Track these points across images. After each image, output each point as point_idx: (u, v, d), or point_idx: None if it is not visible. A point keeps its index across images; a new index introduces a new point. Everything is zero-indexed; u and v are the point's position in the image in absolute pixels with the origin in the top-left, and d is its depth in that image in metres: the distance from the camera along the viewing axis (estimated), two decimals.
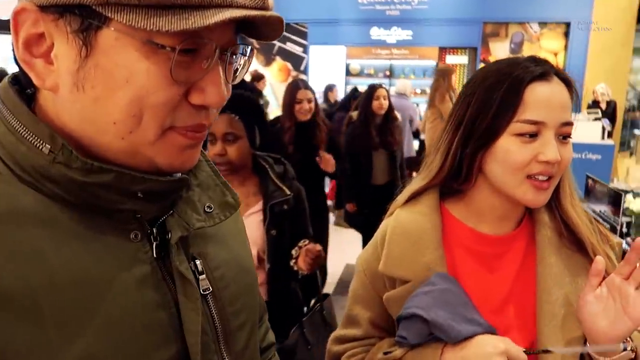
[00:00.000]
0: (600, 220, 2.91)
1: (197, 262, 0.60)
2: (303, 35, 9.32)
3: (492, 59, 8.88)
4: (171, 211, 0.58)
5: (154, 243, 0.56)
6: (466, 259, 0.91)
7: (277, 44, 9.48)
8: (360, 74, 9.10)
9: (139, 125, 0.50)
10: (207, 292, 0.60)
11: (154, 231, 0.56)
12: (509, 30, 8.61)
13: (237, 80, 0.58)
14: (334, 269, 4.10)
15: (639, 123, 8.45)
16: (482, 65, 8.67)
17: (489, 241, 0.91)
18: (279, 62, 9.44)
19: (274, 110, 7.17)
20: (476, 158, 0.86)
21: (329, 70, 9.05)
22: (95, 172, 0.50)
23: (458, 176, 0.90)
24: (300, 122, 3.13)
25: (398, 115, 5.23)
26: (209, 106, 0.52)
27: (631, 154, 6.75)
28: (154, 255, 0.55)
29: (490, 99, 0.83)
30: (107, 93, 0.48)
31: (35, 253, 0.48)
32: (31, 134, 0.50)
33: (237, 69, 0.57)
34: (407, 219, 0.92)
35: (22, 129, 0.50)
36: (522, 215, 0.94)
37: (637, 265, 0.77)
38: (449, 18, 8.55)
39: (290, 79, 9.56)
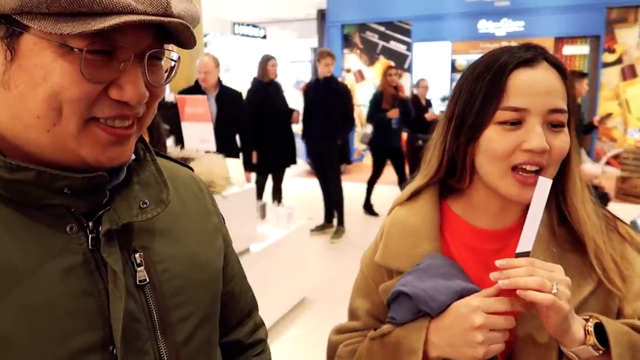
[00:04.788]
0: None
1: (137, 255, 0.66)
2: (407, 32, 9.16)
3: (619, 47, 8.01)
4: (109, 207, 0.64)
5: (90, 235, 0.62)
6: (464, 255, 0.90)
7: (381, 43, 9.43)
8: None
9: (61, 117, 0.56)
10: (144, 283, 0.65)
11: (90, 225, 0.62)
12: None
13: (169, 81, 0.65)
14: None
15: None
16: (605, 55, 7.89)
17: (486, 236, 0.89)
18: (382, 61, 9.39)
19: None
20: (467, 152, 0.84)
21: (433, 67, 8.80)
22: (16, 170, 0.57)
23: (455, 174, 0.89)
24: None
25: None
26: (127, 101, 0.59)
27: None
28: (89, 246, 0.61)
29: (476, 89, 0.82)
30: (28, 91, 0.55)
31: None
32: None
33: (168, 71, 0.65)
34: (405, 214, 0.94)
35: None
36: (524, 210, 0.89)
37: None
38: (566, 5, 7.86)
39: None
